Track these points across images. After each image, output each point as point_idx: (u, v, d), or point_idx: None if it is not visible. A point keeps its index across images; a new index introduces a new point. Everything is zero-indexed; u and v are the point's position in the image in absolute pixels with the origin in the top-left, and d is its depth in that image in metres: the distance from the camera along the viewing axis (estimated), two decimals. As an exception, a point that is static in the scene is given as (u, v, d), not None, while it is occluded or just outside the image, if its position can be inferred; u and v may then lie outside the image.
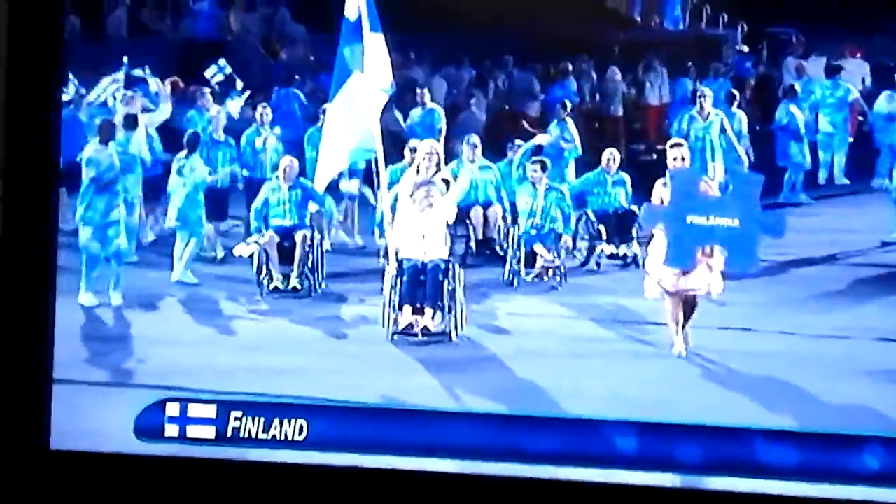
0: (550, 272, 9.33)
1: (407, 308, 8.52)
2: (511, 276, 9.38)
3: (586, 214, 9.66)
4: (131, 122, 9.54)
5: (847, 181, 10.35)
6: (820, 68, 10.65)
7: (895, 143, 9.69)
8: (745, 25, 11.04)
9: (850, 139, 10.48)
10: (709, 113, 9.76)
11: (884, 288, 8.51)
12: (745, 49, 10.95)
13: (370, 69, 8.69)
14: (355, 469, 7.05)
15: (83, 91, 9.92)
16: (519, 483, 6.95)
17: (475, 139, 9.94)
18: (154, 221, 9.87)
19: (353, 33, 8.66)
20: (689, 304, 8.02)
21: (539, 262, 9.33)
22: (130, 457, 7.17)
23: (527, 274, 9.30)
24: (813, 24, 10.64)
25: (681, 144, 8.62)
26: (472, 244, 9.74)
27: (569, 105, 10.15)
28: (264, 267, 9.29)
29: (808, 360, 7.70)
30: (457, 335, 8.48)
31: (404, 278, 8.57)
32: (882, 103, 10.09)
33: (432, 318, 8.52)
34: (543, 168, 9.54)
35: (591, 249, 9.59)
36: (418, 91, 10.29)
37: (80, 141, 9.45)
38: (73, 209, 9.23)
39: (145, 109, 9.83)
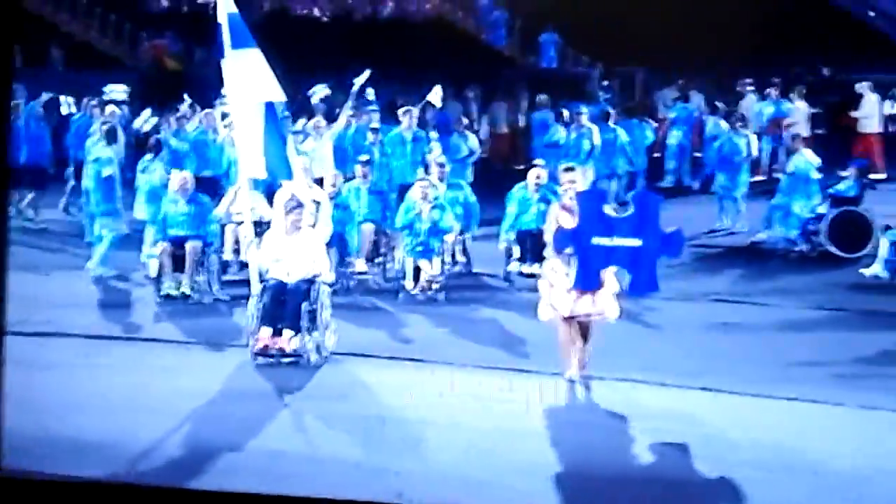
0: (435, 285, 9.69)
1: (265, 329, 8.26)
2: (396, 291, 9.70)
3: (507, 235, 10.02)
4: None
5: (694, 184, 13.02)
6: (670, 95, 13.44)
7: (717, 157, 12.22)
8: (601, 66, 13.85)
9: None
10: (582, 126, 11.91)
11: (712, 263, 10.97)
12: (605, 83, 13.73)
13: (241, 86, 8.37)
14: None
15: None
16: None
17: (442, 158, 10.50)
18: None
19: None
20: (584, 327, 7.80)
21: (423, 277, 9.76)
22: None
23: (413, 288, 9.73)
24: (656, 65, 13.42)
25: (573, 169, 8.15)
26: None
27: (465, 120, 12.35)
28: (161, 275, 9.80)
29: (660, 318, 9.21)
30: (319, 357, 8.34)
31: (266, 299, 8.34)
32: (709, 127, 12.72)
33: (289, 339, 8.25)
34: (431, 186, 9.84)
35: (506, 268, 10.07)
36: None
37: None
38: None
39: None
